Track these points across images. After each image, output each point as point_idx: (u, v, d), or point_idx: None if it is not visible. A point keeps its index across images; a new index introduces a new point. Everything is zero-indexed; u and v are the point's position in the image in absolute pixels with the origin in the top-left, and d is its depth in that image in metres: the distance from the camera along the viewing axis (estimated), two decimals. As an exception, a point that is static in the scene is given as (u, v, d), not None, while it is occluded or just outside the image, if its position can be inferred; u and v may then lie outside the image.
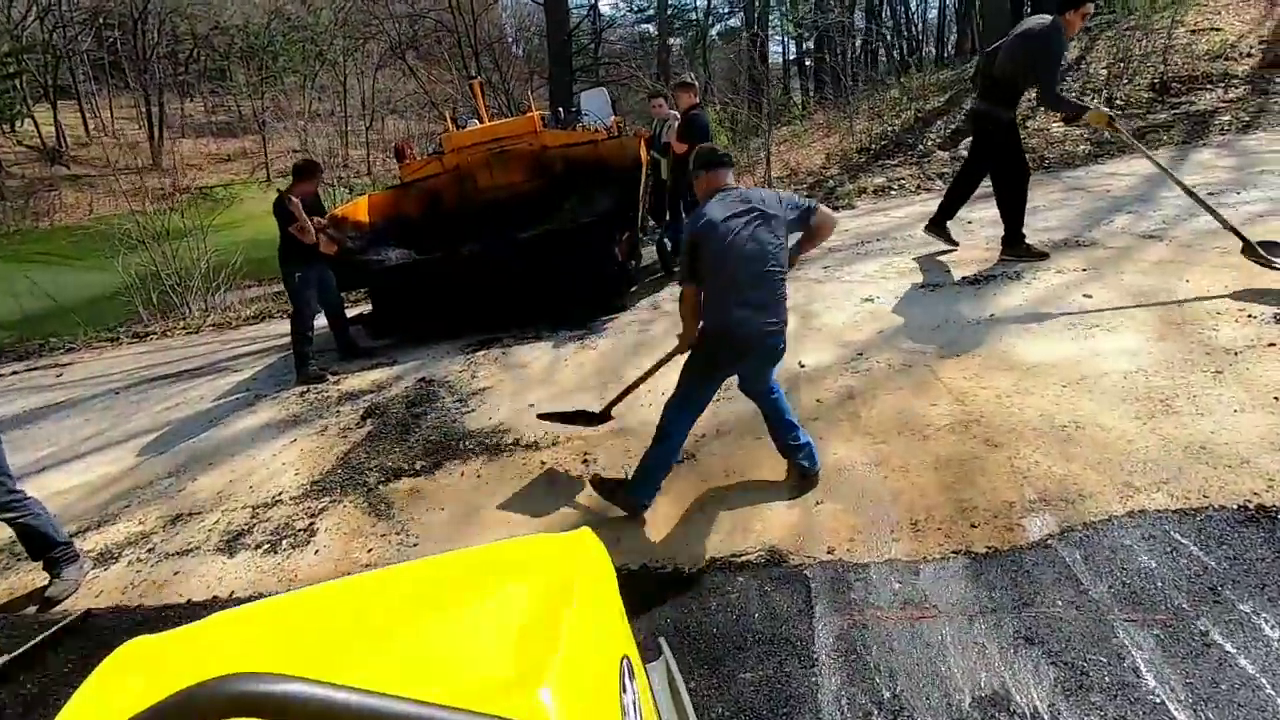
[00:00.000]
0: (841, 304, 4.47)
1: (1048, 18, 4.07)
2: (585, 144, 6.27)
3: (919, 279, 4.65)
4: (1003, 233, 4.61)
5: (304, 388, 4.95)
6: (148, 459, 4.33)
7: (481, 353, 5.00)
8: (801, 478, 2.81)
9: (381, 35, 29.15)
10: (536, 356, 4.74)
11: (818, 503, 2.72)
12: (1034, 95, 4.58)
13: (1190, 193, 3.91)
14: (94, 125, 33.88)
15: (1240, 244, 3.73)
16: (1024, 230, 4.55)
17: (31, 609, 3.01)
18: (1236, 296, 3.51)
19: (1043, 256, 4.49)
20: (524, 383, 4.36)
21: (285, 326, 5.36)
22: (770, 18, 21.78)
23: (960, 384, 3.28)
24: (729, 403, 3.51)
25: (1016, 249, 4.57)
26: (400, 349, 5.48)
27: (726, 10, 25.28)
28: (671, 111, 6.03)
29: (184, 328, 8.52)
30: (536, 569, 1.48)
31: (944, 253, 5.04)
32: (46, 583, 3.05)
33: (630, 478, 2.86)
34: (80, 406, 5.66)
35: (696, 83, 5.62)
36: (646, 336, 4.70)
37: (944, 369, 3.44)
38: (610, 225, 5.30)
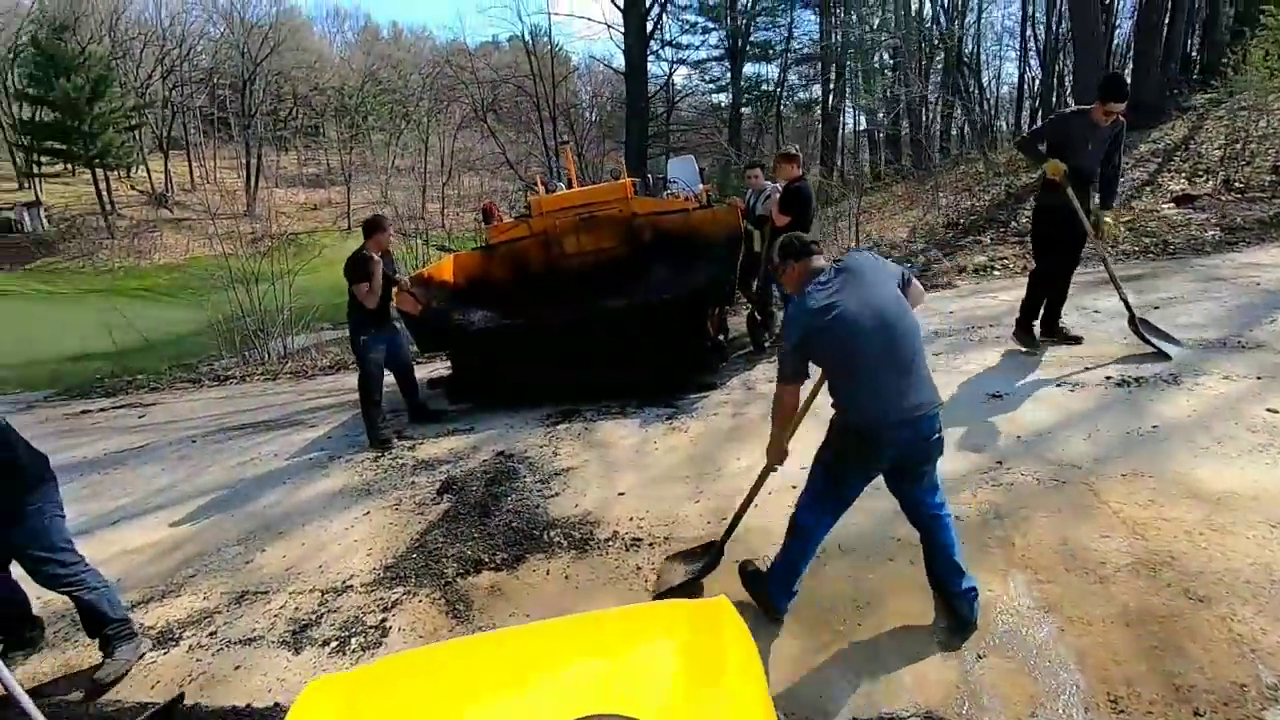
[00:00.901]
0: (964, 400, 4.02)
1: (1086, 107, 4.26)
2: (676, 213, 6.10)
3: (1051, 374, 4.17)
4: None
5: (378, 452, 4.77)
6: (218, 520, 4.18)
7: (563, 426, 4.73)
8: (957, 622, 2.36)
9: (464, 98, 30.87)
10: (623, 435, 4.43)
11: (979, 656, 2.25)
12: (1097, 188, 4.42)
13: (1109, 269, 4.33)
14: (199, 174, 36.69)
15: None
16: (1034, 321, 4.62)
17: (77, 694, 2.78)
18: None
19: (1035, 346, 4.56)
20: (610, 465, 4.04)
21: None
22: (845, 89, 21.92)
23: (1134, 512, 2.79)
24: (849, 512, 3.09)
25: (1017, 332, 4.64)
26: (476, 415, 5.26)
27: (802, 82, 25.66)
28: (768, 182, 5.83)
29: (263, 373, 8.64)
30: (687, 632, 1.52)
31: (1072, 342, 4.57)
32: (99, 662, 2.84)
33: (767, 573, 2.55)
34: (158, 454, 5.64)
35: (800, 154, 5.40)
36: (742, 420, 4.34)
37: (1108, 490, 2.95)
38: (703, 298, 5.03)
